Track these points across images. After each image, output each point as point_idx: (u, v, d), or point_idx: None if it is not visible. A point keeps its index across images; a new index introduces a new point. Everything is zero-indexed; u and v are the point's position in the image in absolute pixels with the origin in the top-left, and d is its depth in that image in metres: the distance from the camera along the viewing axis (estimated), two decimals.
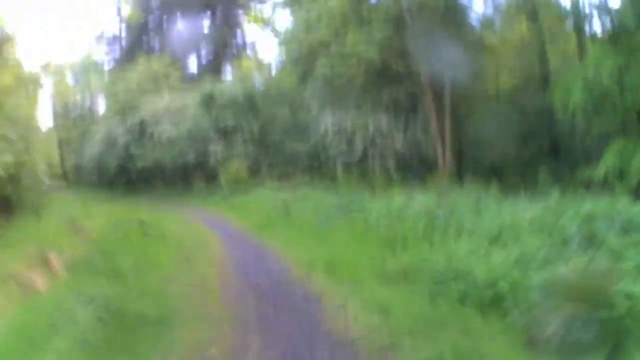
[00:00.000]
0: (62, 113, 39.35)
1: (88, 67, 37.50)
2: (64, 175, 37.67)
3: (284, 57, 22.17)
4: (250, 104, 20.47)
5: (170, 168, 21.79)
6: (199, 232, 11.46)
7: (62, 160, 38.10)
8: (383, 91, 19.57)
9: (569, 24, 17.95)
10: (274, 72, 23.61)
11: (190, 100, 21.99)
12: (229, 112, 20.41)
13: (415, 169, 19.35)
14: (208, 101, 20.56)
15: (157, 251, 8.26)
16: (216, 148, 20.20)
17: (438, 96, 18.73)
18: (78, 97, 40.81)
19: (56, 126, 39.09)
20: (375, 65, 18.96)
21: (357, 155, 18.49)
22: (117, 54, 33.95)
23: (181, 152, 20.89)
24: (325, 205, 10.63)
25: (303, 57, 19.88)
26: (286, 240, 8.90)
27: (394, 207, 8.46)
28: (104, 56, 36.07)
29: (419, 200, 8.53)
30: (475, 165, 19.82)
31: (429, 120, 19.25)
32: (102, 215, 13.61)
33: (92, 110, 37.60)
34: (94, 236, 9.88)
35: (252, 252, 8.98)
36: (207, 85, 21.50)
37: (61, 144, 38.33)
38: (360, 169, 18.57)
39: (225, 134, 20.45)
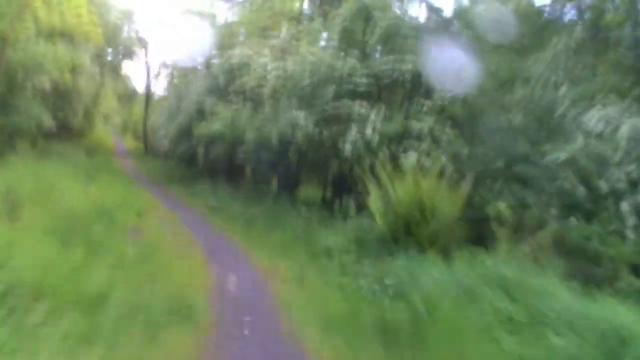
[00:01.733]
0: (160, 72, 30.88)
1: (202, 19, 28.92)
2: (145, 141, 30.19)
3: None
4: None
5: (259, 155, 11.04)
6: None
7: (145, 125, 30.37)
8: None
9: None
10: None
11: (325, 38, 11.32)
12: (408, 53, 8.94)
13: None
14: (359, 26, 9.32)
15: None
16: (360, 130, 8.83)
17: None
18: (183, 55, 32.11)
19: (150, 85, 31.48)
20: None
21: None
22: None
23: (281, 127, 9.63)
24: None
25: None
26: None
27: None
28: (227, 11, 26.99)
29: None
30: None
31: None
32: None
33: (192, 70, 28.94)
34: None
35: None
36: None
37: (148, 104, 30.61)
38: None
39: (385, 102, 8.99)
